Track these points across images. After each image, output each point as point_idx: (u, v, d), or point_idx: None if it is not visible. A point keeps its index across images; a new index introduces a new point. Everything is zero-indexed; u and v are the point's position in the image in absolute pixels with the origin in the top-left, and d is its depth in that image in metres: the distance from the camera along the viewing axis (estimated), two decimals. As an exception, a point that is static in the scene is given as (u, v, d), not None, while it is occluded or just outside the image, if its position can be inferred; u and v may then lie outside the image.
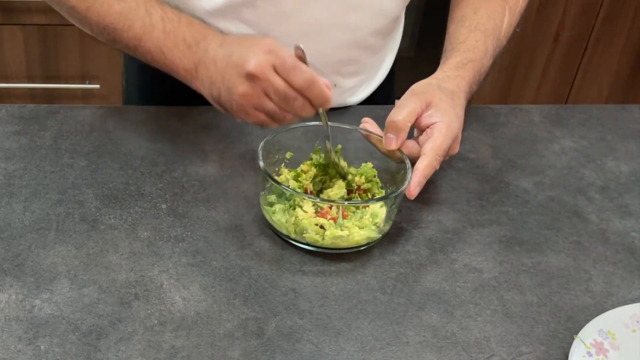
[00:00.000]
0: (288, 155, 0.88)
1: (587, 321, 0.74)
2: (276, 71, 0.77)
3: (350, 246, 0.81)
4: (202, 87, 0.84)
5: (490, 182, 0.96)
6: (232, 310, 0.74)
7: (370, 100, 1.11)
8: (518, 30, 1.01)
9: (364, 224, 0.80)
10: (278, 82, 0.77)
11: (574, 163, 1.02)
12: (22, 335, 0.70)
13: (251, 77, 0.78)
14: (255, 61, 0.77)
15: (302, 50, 0.78)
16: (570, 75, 2.40)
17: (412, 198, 0.81)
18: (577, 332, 0.73)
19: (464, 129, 1.05)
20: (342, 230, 0.79)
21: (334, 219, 0.80)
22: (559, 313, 0.78)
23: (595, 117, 1.13)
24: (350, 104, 1.08)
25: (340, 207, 0.81)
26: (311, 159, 0.88)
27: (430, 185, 0.93)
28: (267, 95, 0.78)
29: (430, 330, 0.74)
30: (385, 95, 1.14)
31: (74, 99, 2.08)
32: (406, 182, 0.80)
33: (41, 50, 1.98)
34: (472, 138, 1.04)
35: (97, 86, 2.04)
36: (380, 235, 0.82)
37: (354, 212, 0.81)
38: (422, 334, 0.74)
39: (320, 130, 0.86)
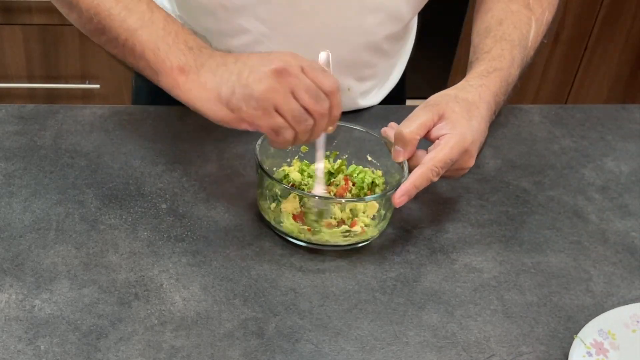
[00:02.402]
0: (303, 149, 0.88)
1: (587, 321, 0.74)
2: (303, 72, 0.75)
3: (336, 244, 0.81)
4: (199, 88, 0.78)
5: (490, 182, 0.96)
6: (232, 310, 0.74)
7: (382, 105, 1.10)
8: (545, 41, 0.98)
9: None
10: (308, 80, 0.74)
11: (574, 163, 1.02)
12: (22, 335, 0.70)
13: (279, 74, 0.74)
14: (284, 59, 0.74)
15: (329, 57, 0.77)
16: (570, 75, 2.40)
17: (397, 206, 0.79)
18: (577, 332, 0.73)
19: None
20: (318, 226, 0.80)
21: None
22: (559, 313, 0.78)
23: (595, 117, 1.13)
24: (360, 107, 1.07)
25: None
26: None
27: (430, 185, 0.93)
28: (293, 94, 0.74)
29: (430, 330, 0.74)
30: (396, 100, 1.14)
31: (74, 99, 2.08)
32: (389, 192, 0.80)
33: (41, 50, 1.98)
34: (472, 138, 1.04)
35: (97, 86, 2.04)
36: (367, 236, 0.82)
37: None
38: (422, 334, 0.74)
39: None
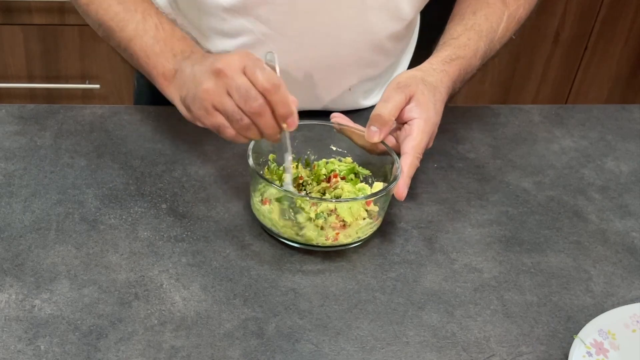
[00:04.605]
0: (271, 157, 0.88)
1: (587, 321, 0.74)
2: (244, 73, 0.77)
3: (335, 244, 0.81)
4: (175, 91, 0.85)
5: (490, 182, 0.96)
6: (232, 310, 0.74)
7: None
8: (514, 37, 1.01)
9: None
10: (241, 79, 0.76)
11: (574, 163, 1.02)
12: (22, 335, 0.70)
13: (217, 73, 0.77)
14: (225, 60, 0.78)
15: (274, 57, 0.79)
16: (570, 75, 2.40)
17: (403, 199, 0.81)
18: (577, 332, 0.73)
19: (463, 129, 1.05)
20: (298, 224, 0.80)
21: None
22: (559, 313, 0.78)
23: (595, 117, 1.13)
24: (362, 106, 1.07)
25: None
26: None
27: (430, 185, 0.93)
28: (228, 94, 0.77)
29: (430, 330, 0.74)
30: None
31: (74, 99, 2.08)
32: (388, 187, 0.80)
33: (41, 50, 1.98)
34: (472, 138, 1.04)
35: (97, 86, 2.04)
36: (368, 230, 0.82)
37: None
38: (422, 334, 0.74)
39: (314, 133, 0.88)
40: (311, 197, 0.83)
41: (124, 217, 0.84)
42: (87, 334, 0.70)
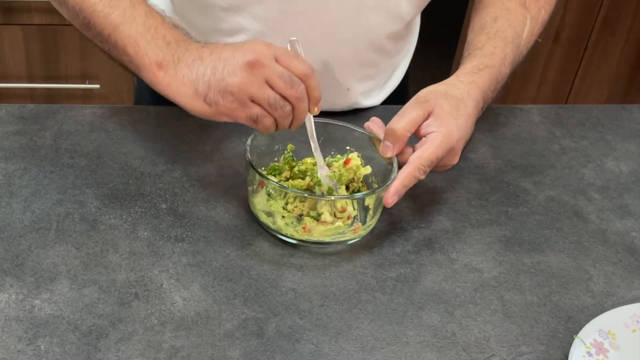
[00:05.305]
0: (290, 147, 0.88)
1: (587, 321, 0.74)
2: (277, 61, 0.78)
3: (308, 239, 0.81)
4: (178, 83, 0.79)
5: (490, 182, 0.96)
6: (232, 310, 0.74)
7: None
8: (540, 40, 0.99)
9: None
10: (281, 67, 0.77)
11: (574, 163, 1.02)
12: (22, 335, 0.70)
13: (252, 65, 0.77)
14: (257, 50, 0.77)
15: (298, 44, 0.80)
16: (570, 75, 2.40)
17: (389, 206, 0.80)
18: (577, 332, 0.73)
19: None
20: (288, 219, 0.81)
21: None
22: (559, 313, 0.78)
23: (595, 117, 1.13)
24: (362, 106, 1.07)
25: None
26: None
27: (430, 185, 0.93)
28: (268, 83, 0.77)
29: (430, 330, 0.74)
30: (399, 101, 1.13)
31: (74, 99, 2.08)
32: (378, 189, 0.80)
33: (41, 50, 1.98)
34: (472, 138, 1.04)
35: (97, 86, 2.04)
36: (349, 235, 0.82)
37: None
38: (422, 334, 0.74)
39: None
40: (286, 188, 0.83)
41: (124, 217, 0.84)
42: (87, 334, 0.70)
